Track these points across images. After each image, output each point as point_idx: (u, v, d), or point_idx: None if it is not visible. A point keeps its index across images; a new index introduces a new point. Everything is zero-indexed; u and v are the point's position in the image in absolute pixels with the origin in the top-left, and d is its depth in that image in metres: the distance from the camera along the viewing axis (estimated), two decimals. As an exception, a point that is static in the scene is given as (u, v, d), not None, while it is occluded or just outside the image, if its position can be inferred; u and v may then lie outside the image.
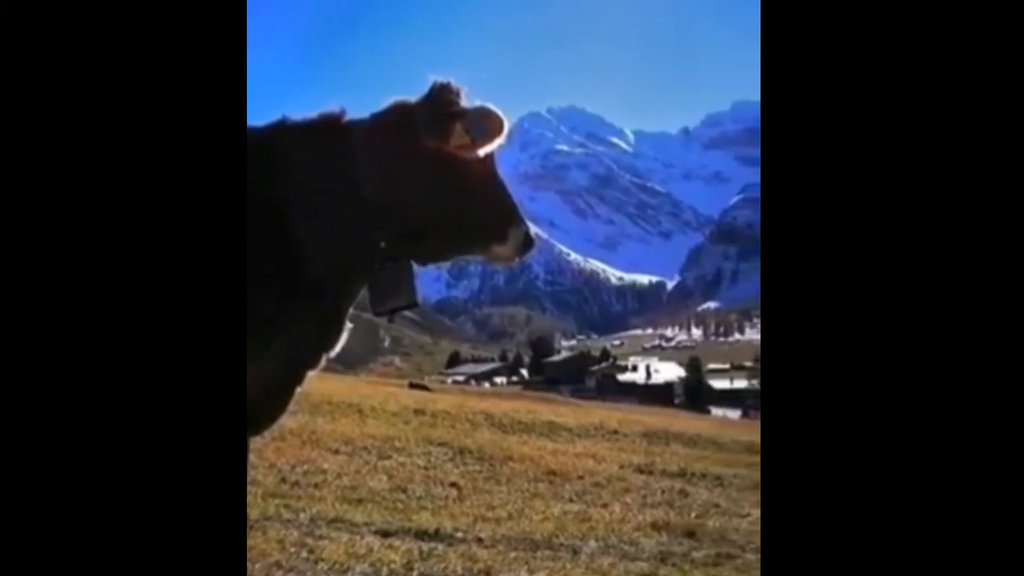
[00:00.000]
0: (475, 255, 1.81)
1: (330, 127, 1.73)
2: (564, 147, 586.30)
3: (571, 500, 5.85)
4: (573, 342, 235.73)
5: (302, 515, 4.13)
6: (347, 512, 4.40)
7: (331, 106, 1.77)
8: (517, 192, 1.74)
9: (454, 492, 5.62)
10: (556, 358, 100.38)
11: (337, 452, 6.82)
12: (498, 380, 74.70)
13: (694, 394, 67.66)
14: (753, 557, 4.01)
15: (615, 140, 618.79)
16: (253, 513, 3.90)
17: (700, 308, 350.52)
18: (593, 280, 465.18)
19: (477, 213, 1.71)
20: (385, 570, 3.23)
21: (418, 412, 11.58)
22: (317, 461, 6.09)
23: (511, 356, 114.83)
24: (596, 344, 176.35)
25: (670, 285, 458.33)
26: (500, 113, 1.65)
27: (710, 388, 74.80)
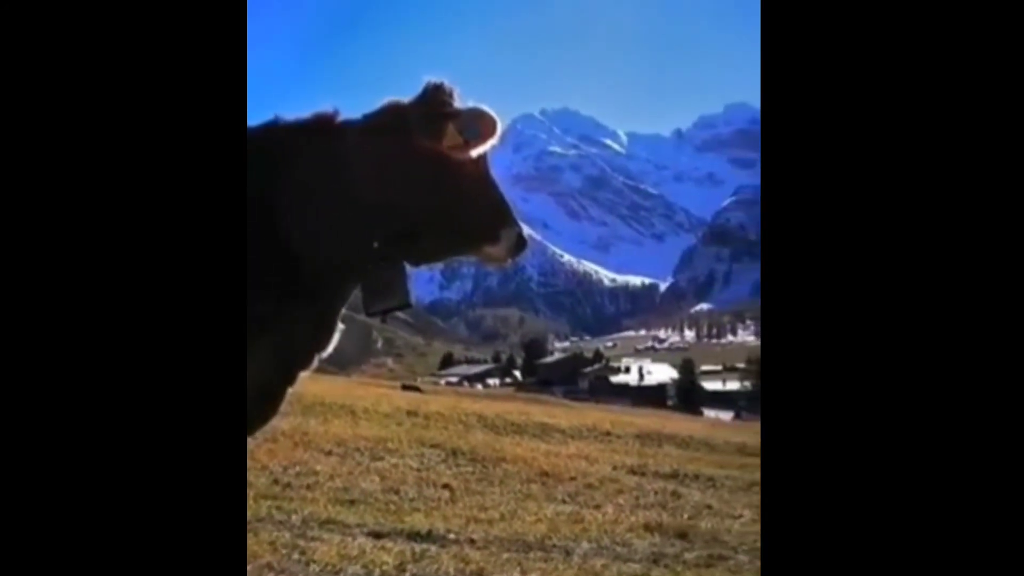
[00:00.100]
0: (468, 256, 1.81)
1: (323, 127, 1.72)
2: (557, 149, 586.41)
3: (564, 501, 5.85)
4: (566, 343, 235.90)
5: (294, 517, 4.13)
6: (339, 513, 4.39)
7: (325, 106, 1.76)
8: (510, 193, 1.74)
9: (447, 493, 5.62)
10: (549, 359, 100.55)
11: (329, 453, 6.81)
12: (491, 381, 74.72)
13: (687, 396, 67.70)
14: (745, 558, 4.03)
15: (608, 142, 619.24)
16: (245, 515, 3.89)
17: (693, 310, 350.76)
18: (586, 281, 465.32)
19: (470, 214, 1.70)
20: (377, 571, 3.23)
21: (411, 413, 11.55)
22: (309, 462, 6.08)
23: (504, 357, 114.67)
24: (589, 345, 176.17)
25: (663, 287, 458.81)
26: (493, 114, 1.64)
27: (703, 390, 74.99)
